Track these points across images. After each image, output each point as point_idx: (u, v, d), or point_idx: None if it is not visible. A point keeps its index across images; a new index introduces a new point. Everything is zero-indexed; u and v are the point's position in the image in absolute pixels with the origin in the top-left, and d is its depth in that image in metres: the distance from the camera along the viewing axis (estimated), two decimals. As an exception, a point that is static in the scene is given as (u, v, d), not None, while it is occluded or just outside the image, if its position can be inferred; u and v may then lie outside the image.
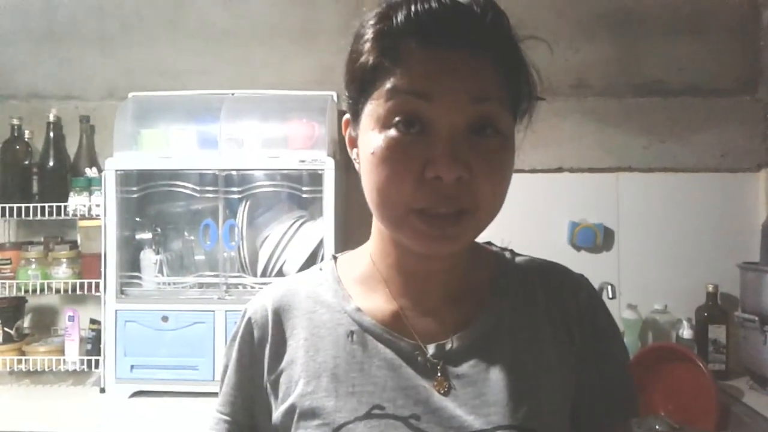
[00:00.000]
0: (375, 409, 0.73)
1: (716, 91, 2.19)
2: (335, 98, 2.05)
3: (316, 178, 1.88)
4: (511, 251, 0.87)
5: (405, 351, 0.76)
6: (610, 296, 1.95)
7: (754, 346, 1.91)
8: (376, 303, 0.79)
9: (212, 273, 1.94)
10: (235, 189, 1.93)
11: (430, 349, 0.76)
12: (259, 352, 0.80)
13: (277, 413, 0.77)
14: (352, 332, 0.78)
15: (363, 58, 0.71)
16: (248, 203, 1.93)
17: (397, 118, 0.68)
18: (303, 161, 1.86)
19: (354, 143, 0.76)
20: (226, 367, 0.83)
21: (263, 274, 1.91)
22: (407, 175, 0.67)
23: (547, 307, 0.81)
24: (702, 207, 2.16)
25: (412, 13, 0.68)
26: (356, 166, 0.76)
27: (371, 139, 0.70)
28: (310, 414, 0.74)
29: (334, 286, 0.82)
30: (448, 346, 0.76)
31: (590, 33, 2.19)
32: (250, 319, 0.82)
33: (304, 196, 1.94)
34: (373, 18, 0.71)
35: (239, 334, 0.82)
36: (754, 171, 2.17)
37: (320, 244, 1.88)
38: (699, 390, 1.75)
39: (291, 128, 1.96)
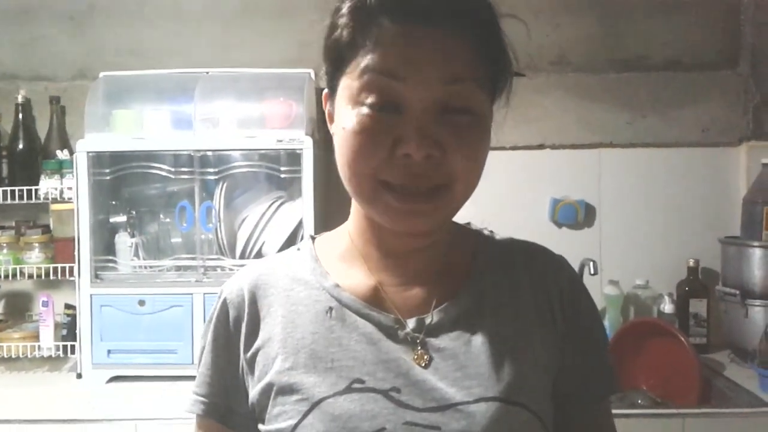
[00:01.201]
0: (355, 383, 0.72)
1: (698, 65, 2.18)
2: (313, 76, 2.01)
3: (294, 157, 1.85)
4: (491, 231, 0.86)
5: (384, 325, 0.75)
6: (592, 272, 1.95)
7: (735, 319, 1.92)
8: (355, 279, 0.79)
9: (189, 255, 1.91)
10: (211, 170, 1.89)
11: (410, 323, 0.75)
12: (235, 332, 0.80)
13: (254, 391, 0.77)
14: (330, 308, 0.77)
15: (338, 33, 0.71)
16: (225, 184, 1.90)
17: (369, 98, 0.68)
18: (280, 141, 1.83)
19: (332, 118, 0.76)
20: (203, 348, 0.82)
21: (242, 256, 1.88)
22: (377, 151, 0.68)
23: (531, 287, 0.80)
24: (683, 182, 2.16)
25: None
26: (334, 140, 0.75)
27: (344, 115, 0.70)
28: (288, 390, 0.74)
29: (311, 264, 0.81)
30: (428, 320, 0.76)
31: (571, 8, 2.15)
32: (225, 299, 0.81)
33: (283, 176, 1.90)
34: None
35: (215, 315, 0.81)
36: (735, 145, 2.17)
37: (299, 224, 1.85)
38: (681, 364, 1.76)
39: (268, 107, 1.92)
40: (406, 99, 0.67)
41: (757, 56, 2.16)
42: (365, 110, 0.68)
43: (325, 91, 0.77)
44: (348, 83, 0.70)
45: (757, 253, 1.90)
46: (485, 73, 0.70)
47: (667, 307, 2.01)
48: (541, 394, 0.76)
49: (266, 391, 0.75)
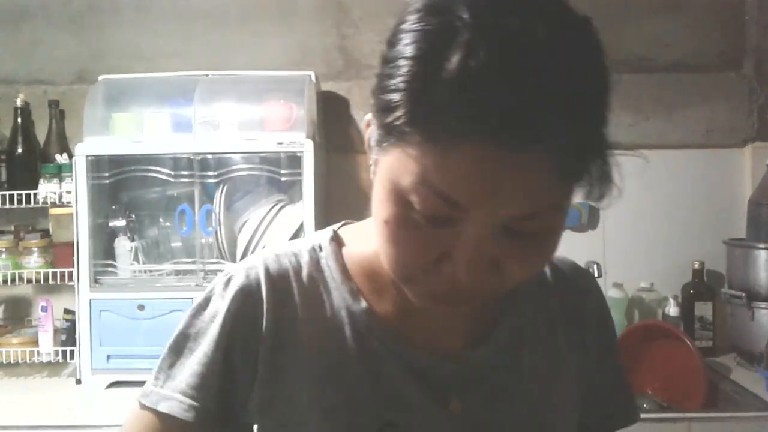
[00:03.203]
0: (387, 426, 0.66)
1: (701, 67, 2.16)
2: (313, 78, 1.99)
3: (294, 160, 1.83)
4: None
5: (419, 365, 0.68)
6: (596, 275, 1.93)
7: (741, 322, 1.89)
8: (387, 306, 0.70)
9: (189, 260, 1.89)
10: (211, 173, 1.88)
11: (445, 365, 0.69)
12: (251, 332, 0.68)
13: (264, 408, 0.68)
14: (361, 337, 0.69)
15: (391, 100, 0.54)
16: (225, 187, 1.88)
17: (419, 207, 0.55)
18: (281, 143, 1.82)
19: (370, 153, 0.62)
20: (189, 337, 0.69)
21: (242, 260, 1.86)
22: (420, 262, 0.58)
23: (563, 313, 0.76)
24: (688, 184, 2.14)
25: (468, 88, 0.50)
26: (371, 173, 0.63)
27: (387, 206, 0.58)
28: (314, 427, 0.67)
29: (338, 277, 0.71)
30: (465, 364, 0.70)
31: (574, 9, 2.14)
32: (240, 290, 0.69)
33: (283, 179, 1.89)
34: (417, 42, 0.54)
35: (222, 305, 0.69)
36: (739, 147, 2.15)
37: (300, 228, 1.84)
38: (686, 367, 1.74)
39: (268, 110, 1.90)
40: (464, 221, 0.55)
41: (762, 57, 2.14)
42: (413, 216, 0.56)
43: (368, 117, 0.62)
44: (397, 167, 0.56)
45: (762, 254, 1.88)
46: (572, 187, 0.56)
47: (672, 310, 1.99)
48: None
49: (284, 416, 0.68)
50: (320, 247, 0.73)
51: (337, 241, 0.74)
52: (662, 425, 1.54)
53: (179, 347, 0.70)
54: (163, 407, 0.67)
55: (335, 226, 0.76)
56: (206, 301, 0.70)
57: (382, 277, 0.69)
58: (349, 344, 0.68)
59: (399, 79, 0.54)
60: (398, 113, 0.54)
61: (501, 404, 0.69)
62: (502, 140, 0.50)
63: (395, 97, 0.54)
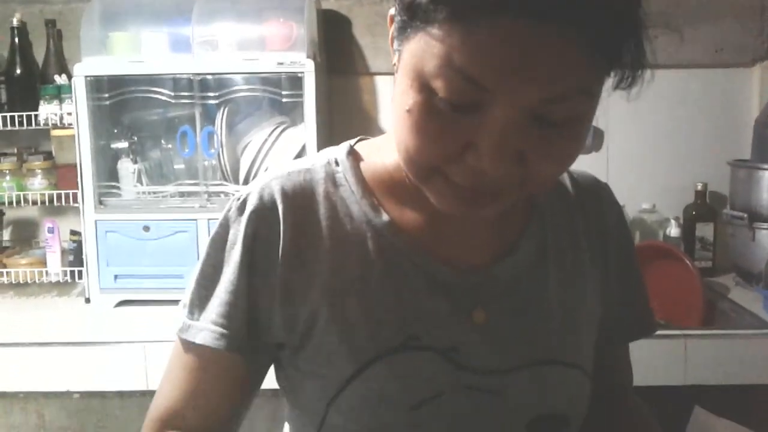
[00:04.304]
0: (410, 340, 0.66)
1: (713, -17, 2.09)
2: (314, -4, 1.95)
3: (296, 81, 1.81)
4: None
5: (443, 277, 0.68)
6: (598, 197, 1.93)
7: (742, 242, 1.90)
8: (409, 219, 0.69)
9: (192, 181, 1.90)
10: (211, 94, 1.86)
11: (469, 277, 0.69)
12: (269, 254, 0.68)
13: (290, 326, 0.69)
14: (382, 251, 0.68)
15: None
16: (226, 109, 1.87)
17: (443, 92, 0.54)
18: (281, 64, 1.79)
19: (393, 46, 0.61)
20: (213, 267, 0.70)
21: (245, 182, 1.87)
22: (444, 151, 0.56)
23: (586, 228, 0.75)
24: (694, 105, 2.12)
25: None
26: (394, 71, 0.62)
27: (408, 93, 0.56)
28: (336, 339, 0.67)
29: (358, 191, 0.70)
30: (490, 274, 0.69)
31: None
32: (254, 213, 0.68)
33: (285, 100, 1.87)
34: None
35: (239, 230, 0.69)
36: (748, 66, 2.10)
37: (303, 150, 1.83)
38: (685, 287, 1.76)
39: (268, 29, 1.87)
40: (489, 106, 0.53)
41: (776, -27, 2.07)
42: (437, 104, 0.54)
43: (392, 12, 0.60)
44: (421, 51, 0.54)
45: (766, 175, 1.87)
46: (603, 71, 0.55)
47: (673, 231, 2.00)
48: (592, 350, 0.74)
49: (308, 331, 0.68)
50: (336, 162, 0.72)
51: (354, 155, 0.72)
52: (659, 341, 1.57)
53: (206, 278, 0.71)
54: (199, 339, 0.69)
55: (351, 141, 0.75)
56: (223, 228, 0.70)
57: (403, 189, 0.68)
58: (371, 258, 0.68)
59: None
60: None
61: (525, 316, 0.70)
62: (531, 13, 0.49)
63: None
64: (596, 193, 0.77)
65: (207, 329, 0.69)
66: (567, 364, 0.69)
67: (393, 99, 0.60)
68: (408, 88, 0.56)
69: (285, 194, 0.69)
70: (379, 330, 0.66)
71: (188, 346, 0.71)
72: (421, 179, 0.60)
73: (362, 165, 0.72)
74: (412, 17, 0.55)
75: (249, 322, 0.69)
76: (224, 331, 0.69)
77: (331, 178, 0.71)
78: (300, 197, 0.69)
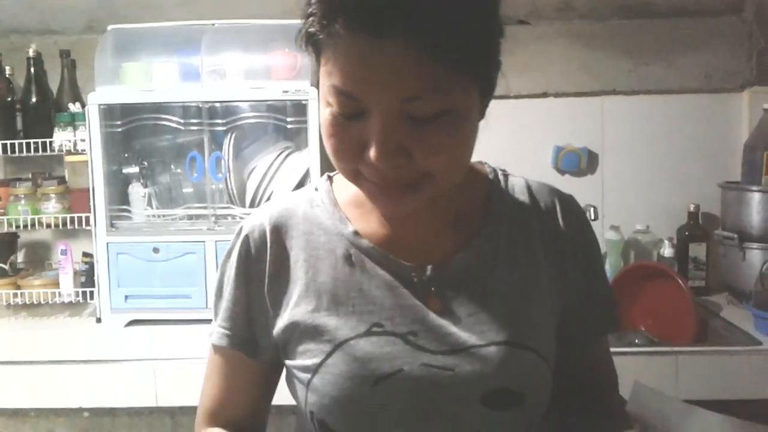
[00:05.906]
0: (374, 327, 0.77)
1: (702, 11, 2.16)
2: (317, 27, 2.02)
3: (300, 108, 1.88)
4: (504, 172, 0.88)
5: (402, 272, 0.79)
6: (593, 218, 1.99)
7: (733, 262, 1.95)
8: (372, 227, 0.81)
9: (201, 205, 1.96)
10: (219, 121, 1.93)
11: (426, 270, 0.79)
12: (259, 268, 0.82)
13: (278, 327, 0.81)
14: (350, 255, 0.80)
15: (308, 23, 0.68)
16: (233, 135, 1.94)
17: (334, 105, 0.67)
18: (286, 92, 1.86)
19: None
20: (222, 282, 0.86)
21: (251, 205, 1.93)
22: (350, 154, 0.69)
23: (541, 230, 0.83)
24: (685, 129, 2.18)
25: None
26: None
27: (321, 109, 0.71)
28: (312, 331, 0.78)
29: (330, 209, 0.83)
30: (443, 268, 0.79)
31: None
32: (248, 236, 0.84)
33: (289, 126, 1.94)
34: None
35: (236, 250, 0.84)
36: (738, 91, 2.17)
37: (306, 174, 1.89)
38: (678, 305, 1.80)
39: (273, 59, 1.94)
40: (369, 112, 0.66)
41: (762, 2, 2.14)
42: (333, 115, 0.68)
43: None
44: (322, 77, 0.69)
45: (756, 197, 1.92)
46: (457, 71, 0.64)
47: (667, 251, 2.05)
48: (548, 336, 0.81)
49: (291, 330, 0.80)
50: (316, 188, 0.87)
51: (330, 180, 0.87)
52: (651, 358, 1.61)
53: (218, 291, 0.86)
54: (212, 339, 0.86)
55: (331, 173, 0.89)
56: (228, 250, 0.86)
57: (367, 206, 0.80)
58: (341, 262, 0.81)
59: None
60: (310, 23, 0.67)
61: (477, 303, 0.78)
62: (367, 29, 0.62)
63: (311, 10, 0.67)
64: (552, 201, 0.85)
65: (216, 331, 0.85)
66: (517, 345, 0.76)
67: None
68: (321, 107, 0.71)
69: (272, 219, 0.84)
70: (347, 320, 0.77)
71: (211, 347, 0.87)
72: (352, 181, 0.73)
73: (335, 188, 0.86)
74: (313, 50, 0.69)
75: (249, 324, 0.83)
76: (227, 332, 0.84)
77: (310, 201, 0.85)
78: (285, 218, 0.84)
